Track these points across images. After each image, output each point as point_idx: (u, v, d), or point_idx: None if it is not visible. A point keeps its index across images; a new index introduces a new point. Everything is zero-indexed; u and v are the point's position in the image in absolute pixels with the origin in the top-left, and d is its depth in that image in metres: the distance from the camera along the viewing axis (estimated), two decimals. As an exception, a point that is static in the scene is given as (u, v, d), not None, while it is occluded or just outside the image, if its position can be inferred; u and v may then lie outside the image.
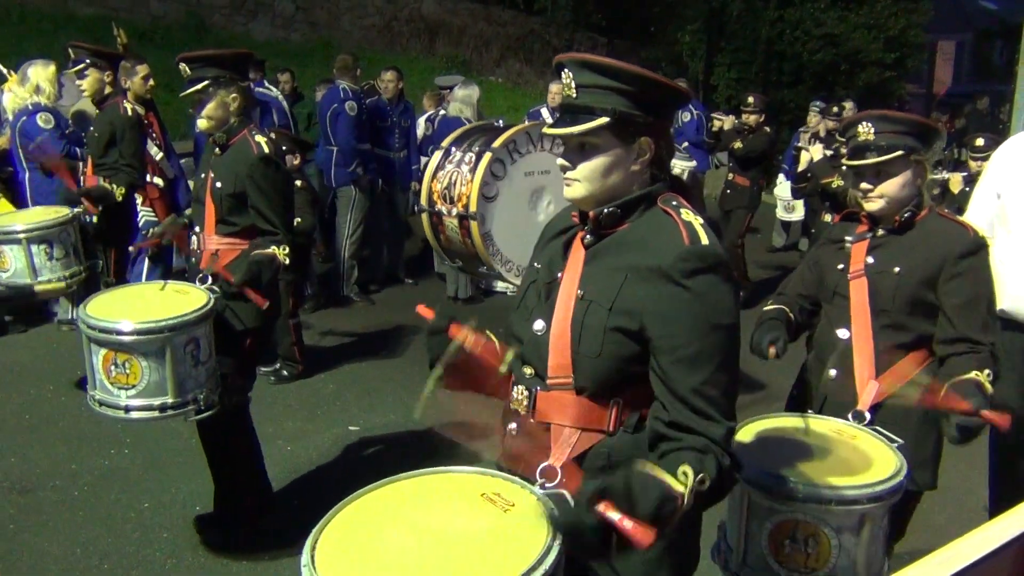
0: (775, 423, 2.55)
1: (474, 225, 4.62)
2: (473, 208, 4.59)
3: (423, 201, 4.99)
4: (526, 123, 5.23)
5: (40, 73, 6.09)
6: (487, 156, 4.66)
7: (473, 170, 4.70)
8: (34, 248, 4.29)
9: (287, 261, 3.60)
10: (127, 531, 3.98)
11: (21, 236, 4.27)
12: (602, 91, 1.74)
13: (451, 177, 4.79)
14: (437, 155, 5.01)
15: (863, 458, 2.34)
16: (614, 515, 1.45)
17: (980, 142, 5.87)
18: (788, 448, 2.38)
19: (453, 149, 4.97)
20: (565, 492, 1.66)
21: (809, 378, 2.92)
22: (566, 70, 1.78)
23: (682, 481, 1.56)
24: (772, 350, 2.71)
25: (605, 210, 1.79)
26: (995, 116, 17.00)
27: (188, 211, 5.03)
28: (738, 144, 7.83)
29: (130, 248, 5.69)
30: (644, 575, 1.79)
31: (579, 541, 1.50)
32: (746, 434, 2.43)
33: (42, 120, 5.98)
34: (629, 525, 1.44)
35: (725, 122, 8.11)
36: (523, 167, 4.81)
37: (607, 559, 1.55)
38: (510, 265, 4.79)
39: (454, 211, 4.76)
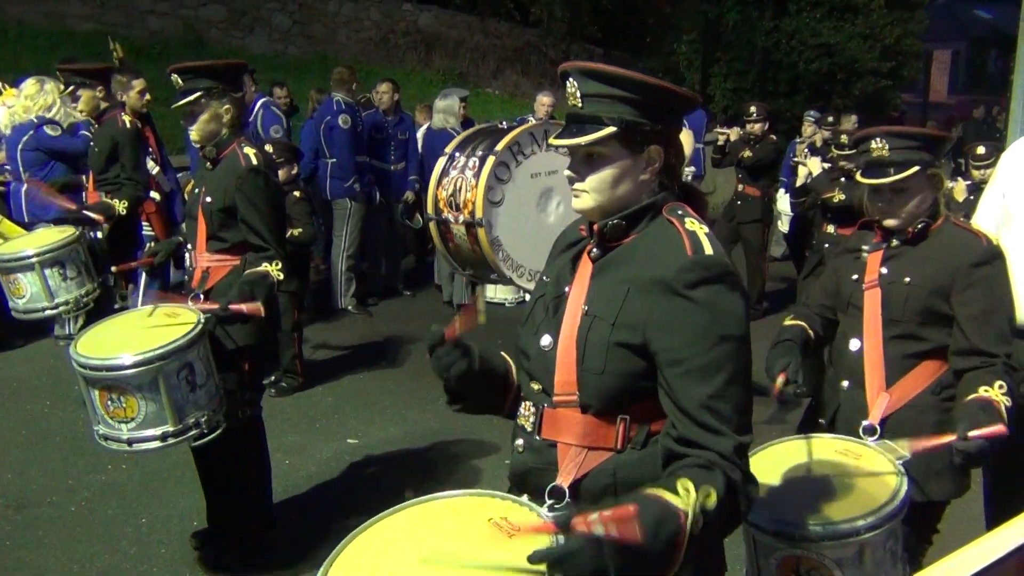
0: (778, 450, 2.51)
1: (481, 232, 4.50)
2: (479, 214, 4.47)
3: (429, 210, 4.89)
4: (531, 122, 5.11)
5: (56, 91, 6.12)
6: (490, 160, 4.54)
7: (477, 175, 4.60)
8: (48, 271, 4.27)
9: (281, 276, 3.55)
10: (124, 547, 3.96)
11: (34, 261, 4.24)
12: (608, 100, 1.70)
13: (456, 184, 4.67)
14: (441, 161, 4.87)
15: (862, 484, 2.31)
16: (598, 527, 1.38)
17: (981, 150, 5.87)
18: (786, 481, 2.35)
19: (457, 154, 4.83)
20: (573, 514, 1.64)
21: (827, 389, 2.91)
22: (571, 79, 1.74)
23: (683, 497, 1.49)
24: (781, 378, 2.67)
25: (609, 223, 1.76)
26: (991, 124, 17.05)
27: (184, 225, 5.00)
28: (747, 153, 7.78)
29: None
30: None
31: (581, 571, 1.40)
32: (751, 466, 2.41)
33: (50, 130, 6.01)
34: (611, 519, 1.38)
35: (731, 134, 8.07)
36: (529, 168, 4.69)
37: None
38: (522, 270, 4.68)
39: (460, 218, 4.65)
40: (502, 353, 2.02)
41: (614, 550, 1.39)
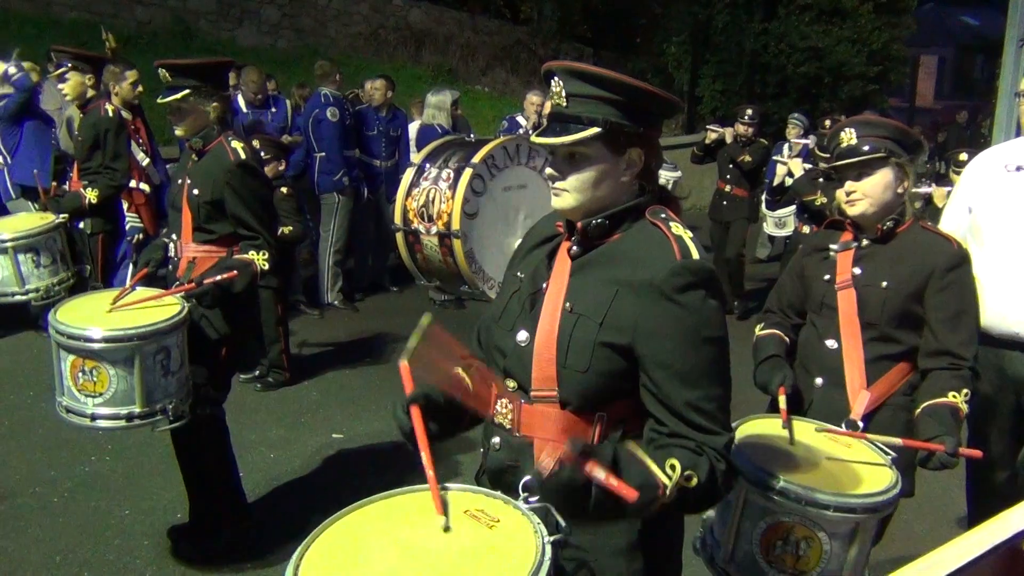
0: (770, 424, 2.54)
1: (457, 243, 4.45)
2: (456, 226, 4.43)
3: (397, 220, 4.82)
4: (501, 137, 5.09)
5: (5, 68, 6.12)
6: (467, 172, 4.49)
7: (453, 187, 4.53)
8: (21, 257, 4.24)
9: (266, 266, 3.56)
10: (108, 538, 3.95)
11: (8, 245, 4.21)
12: (592, 101, 1.72)
13: (428, 195, 4.62)
14: (410, 172, 4.80)
15: (859, 467, 2.35)
16: (599, 473, 1.45)
17: (964, 157, 5.90)
18: (785, 451, 2.39)
19: (427, 165, 4.75)
20: (550, 507, 1.64)
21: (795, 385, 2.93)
22: (556, 78, 1.75)
23: (668, 474, 1.55)
24: (781, 391, 2.67)
25: (593, 221, 1.77)
26: (974, 130, 17.20)
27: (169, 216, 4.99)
28: (747, 157, 7.80)
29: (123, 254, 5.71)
30: None
31: (568, 498, 1.50)
32: (742, 433, 2.43)
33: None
34: (615, 483, 1.45)
35: (726, 134, 8.08)
36: (501, 182, 4.65)
37: (588, 516, 1.53)
38: (492, 283, 4.60)
39: (434, 229, 4.60)
40: (456, 372, 1.96)
41: (601, 493, 1.47)
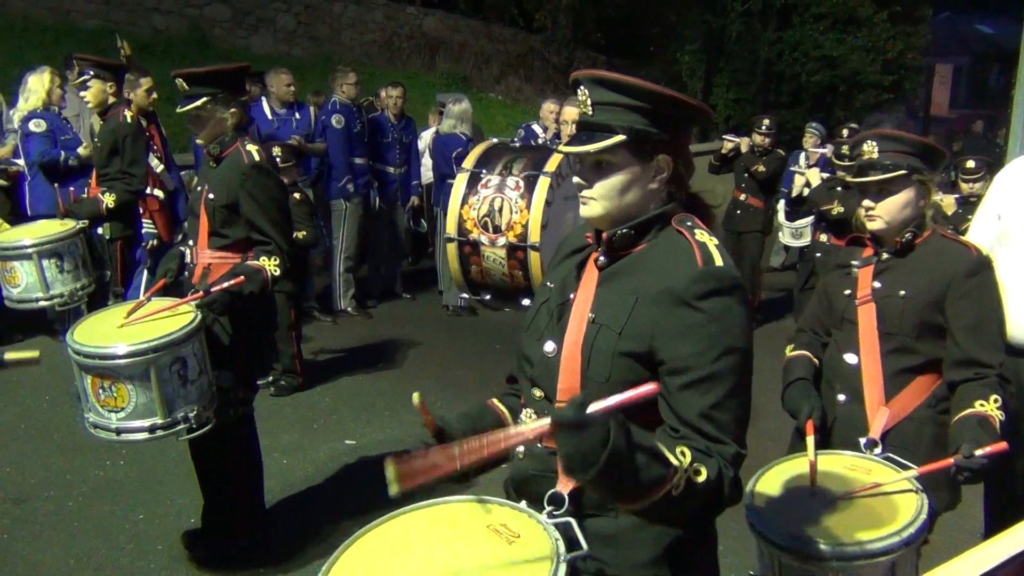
0: (788, 468, 2.50)
1: (534, 256, 4.35)
2: (534, 238, 4.20)
3: (451, 230, 4.70)
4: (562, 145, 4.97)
5: (32, 80, 6.15)
6: (544, 181, 4.29)
7: (527, 196, 4.42)
8: (45, 262, 4.27)
9: (277, 272, 3.56)
10: (121, 543, 3.97)
11: (31, 251, 4.25)
12: (618, 108, 1.71)
13: (492, 203, 4.48)
14: (462, 179, 4.68)
15: (884, 500, 2.31)
16: (611, 400, 1.42)
17: (971, 164, 5.86)
18: (808, 501, 2.34)
19: (483, 172, 4.68)
20: (572, 520, 1.63)
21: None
22: (582, 87, 1.75)
23: (679, 458, 1.53)
24: (810, 425, 2.62)
25: (618, 232, 1.76)
26: (990, 139, 17.10)
27: (186, 222, 5.02)
28: (760, 168, 7.76)
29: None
30: None
31: (583, 460, 1.40)
32: (763, 487, 2.39)
33: (33, 125, 6.04)
34: (631, 393, 1.42)
35: (741, 144, 8.04)
36: (563, 192, 4.57)
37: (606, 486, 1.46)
38: None
39: (501, 240, 4.49)
40: (491, 402, 2.01)
41: (615, 451, 1.40)
